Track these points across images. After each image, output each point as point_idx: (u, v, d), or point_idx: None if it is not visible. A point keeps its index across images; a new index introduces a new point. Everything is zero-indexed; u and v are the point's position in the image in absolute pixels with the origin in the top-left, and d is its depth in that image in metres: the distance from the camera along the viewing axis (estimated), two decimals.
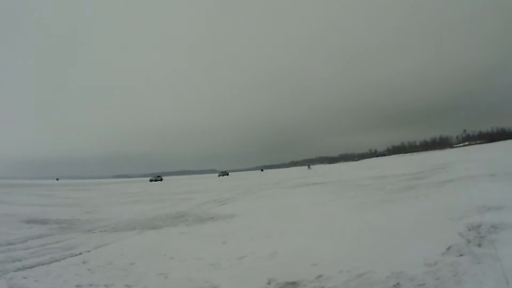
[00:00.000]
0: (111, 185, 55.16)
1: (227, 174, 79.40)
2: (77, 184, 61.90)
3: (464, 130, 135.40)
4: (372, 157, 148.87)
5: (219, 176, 73.91)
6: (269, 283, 4.56)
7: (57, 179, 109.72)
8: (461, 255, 4.92)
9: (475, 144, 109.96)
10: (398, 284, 4.01)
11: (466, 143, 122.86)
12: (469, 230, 6.25)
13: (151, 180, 64.50)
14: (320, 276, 4.59)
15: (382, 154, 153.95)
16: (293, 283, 4.47)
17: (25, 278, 5.32)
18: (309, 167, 74.86)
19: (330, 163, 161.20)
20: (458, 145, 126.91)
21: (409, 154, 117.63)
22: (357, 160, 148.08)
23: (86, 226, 10.67)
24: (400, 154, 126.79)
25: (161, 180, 65.16)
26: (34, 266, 6.01)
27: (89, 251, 7.19)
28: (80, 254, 6.96)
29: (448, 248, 5.24)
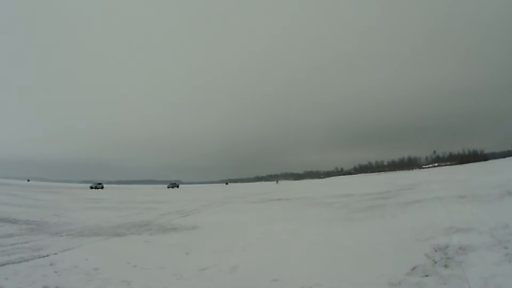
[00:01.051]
0: (78, 189, 52.76)
1: (177, 186, 69.60)
2: (47, 186, 58.56)
3: (434, 151, 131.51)
4: (339, 175, 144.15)
5: (168, 187, 65.19)
6: None
7: (28, 180, 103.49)
8: (426, 275, 4.79)
9: (445, 165, 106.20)
10: None
11: (436, 164, 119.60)
12: (436, 251, 6.04)
13: (91, 188, 57.93)
14: None
15: (349, 173, 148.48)
16: None
17: None
18: (277, 182, 70.49)
19: (295, 179, 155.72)
20: (427, 166, 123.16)
21: (376, 173, 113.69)
22: (323, 177, 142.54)
23: (54, 228, 10.62)
24: (367, 174, 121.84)
25: (102, 188, 58.98)
26: (4, 264, 6.07)
27: (56, 254, 7.21)
28: (48, 256, 6.98)
29: (413, 268, 5.10)
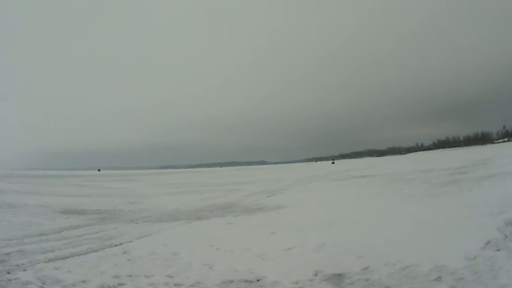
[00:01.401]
0: (156, 175, 58.36)
1: None
2: (120, 174, 65.89)
3: (504, 126, 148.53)
4: (418, 151, 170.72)
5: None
6: (316, 275, 4.97)
7: (99, 170, 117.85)
8: (498, 249, 5.51)
9: None
10: (439, 277, 4.47)
11: (506, 139, 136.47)
12: (507, 225, 6.96)
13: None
14: (366, 268, 5.01)
15: (428, 148, 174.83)
16: (340, 275, 4.88)
17: (56, 269, 5.57)
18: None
19: (378, 156, 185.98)
20: (498, 141, 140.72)
21: (453, 148, 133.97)
22: (404, 153, 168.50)
23: (129, 216, 11.30)
24: (445, 149, 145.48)
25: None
26: (68, 257, 6.30)
27: (130, 241, 7.58)
28: (121, 244, 7.34)
29: (487, 243, 5.85)
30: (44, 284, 4.92)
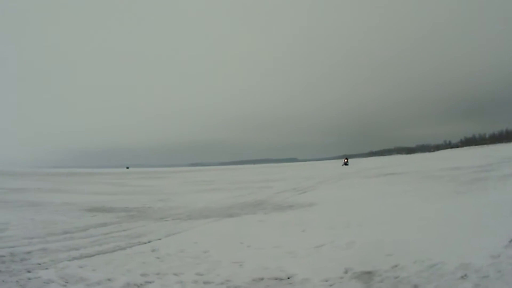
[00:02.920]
0: (186, 173, 59.59)
1: None
2: (149, 172, 67.72)
3: None
4: (446, 148, 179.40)
5: None
6: (346, 272, 5.09)
7: (128, 168, 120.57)
8: None
9: None
10: (465, 275, 4.63)
11: None
12: None
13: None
14: (395, 266, 5.17)
15: (456, 146, 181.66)
16: (369, 272, 5.00)
17: (81, 267, 5.57)
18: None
19: (407, 153, 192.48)
20: None
21: (479, 146, 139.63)
22: (433, 151, 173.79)
23: (158, 214, 11.39)
24: (471, 146, 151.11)
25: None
26: (93, 255, 6.31)
27: (159, 239, 7.63)
28: (149, 242, 7.37)
29: (510, 241, 6.00)
30: (67, 282, 4.88)
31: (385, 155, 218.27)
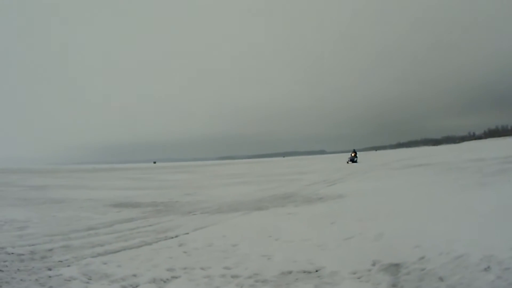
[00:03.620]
0: (214, 166, 60.37)
1: None
2: (176, 166, 68.65)
3: None
4: (471, 140, 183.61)
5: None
6: (373, 265, 5.16)
7: (155, 162, 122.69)
8: None
9: None
10: (488, 267, 4.56)
11: None
12: None
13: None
14: (422, 258, 5.16)
15: (479, 137, 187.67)
16: (397, 264, 5.05)
17: (105, 263, 5.53)
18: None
19: (433, 145, 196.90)
20: None
21: (502, 138, 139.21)
22: (458, 142, 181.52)
23: (186, 208, 11.41)
24: (494, 138, 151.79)
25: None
26: (118, 251, 6.28)
27: (187, 234, 7.61)
28: (177, 236, 7.36)
29: None
30: (90, 279, 4.82)
31: (412, 146, 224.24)
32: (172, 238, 7.31)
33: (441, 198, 10.06)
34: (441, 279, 4.45)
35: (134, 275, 4.99)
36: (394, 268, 4.94)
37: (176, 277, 4.98)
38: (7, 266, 5.27)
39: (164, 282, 4.83)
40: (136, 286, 4.67)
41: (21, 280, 4.72)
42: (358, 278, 4.76)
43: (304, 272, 5.11)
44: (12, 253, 5.97)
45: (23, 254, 5.95)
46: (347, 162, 42.58)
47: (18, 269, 5.14)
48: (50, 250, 6.30)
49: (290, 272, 5.10)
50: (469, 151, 45.71)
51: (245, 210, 10.70)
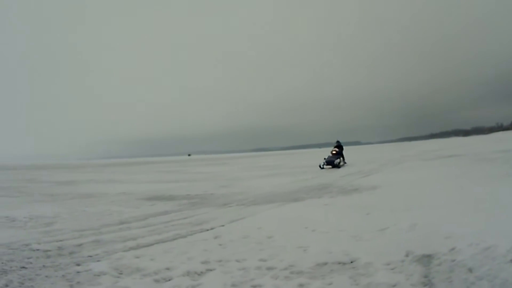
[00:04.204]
0: (249, 158, 60.95)
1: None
2: (211, 158, 69.75)
3: None
4: (499, 130, 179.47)
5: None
6: (407, 256, 5.18)
7: (189, 155, 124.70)
8: None
9: None
10: None
11: None
12: None
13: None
14: (452, 249, 5.15)
15: (507, 128, 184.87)
16: (429, 255, 5.06)
17: (137, 257, 5.48)
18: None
19: (464, 136, 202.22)
20: None
21: None
22: (487, 133, 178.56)
23: (221, 200, 11.46)
24: None
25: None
26: (151, 244, 6.24)
27: (222, 226, 7.59)
28: (212, 229, 7.33)
29: None
30: (121, 273, 4.75)
31: (444, 137, 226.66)
32: (208, 230, 7.29)
33: (471, 189, 10.15)
34: (470, 270, 4.45)
35: (168, 269, 4.93)
36: (426, 259, 4.98)
37: (210, 270, 4.92)
38: (31, 263, 5.23)
39: (198, 275, 4.76)
40: (169, 280, 4.59)
41: (46, 276, 4.65)
42: (392, 269, 4.79)
43: (339, 263, 5.13)
44: (38, 250, 5.93)
45: (49, 250, 5.90)
46: (321, 167, 24.93)
47: (43, 266, 5.09)
48: (79, 245, 6.26)
49: (325, 264, 5.12)
50: (498, 142, 46.61)
51: (281, 201, 10.70)
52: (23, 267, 4.98)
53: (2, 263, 5.11)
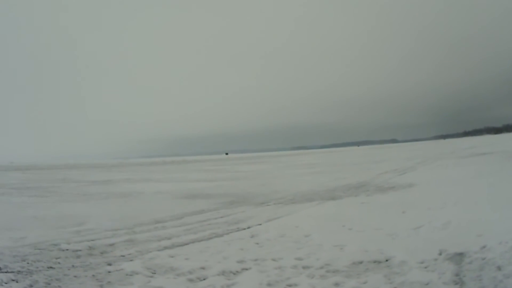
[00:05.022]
0: (288, 157, 61.03)
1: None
2: (249, 157, 69.84)
3: None
4: None
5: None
6: (440, 254, 5.23)
7: (227, 153, 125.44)
8: None
9: None
10: None
11: None
12: None
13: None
14: (484, 247, 5.26)
15: None
16: (461, 254, 5.12)
17: (172, 257, 5.46)
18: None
19: (495, 133, 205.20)
20: None
21: None
22: None
23: (259, 199, 11.38)
24: None
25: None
26: (187, 244, 6.22)
27: (259, 225, 7.56)
28: (249, 228, 7.32)
29: None
30: (154, 273, 4.73)
31: (477, 135, 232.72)
32: (244, 229, 7.29)
33: (503, 187, 10.36)
34: (498, 268, 4.51)
35: (203, 268, 4.90)
36: (458, 257, 5.03)
37: (246, 269, 4.89)
38: (59, 263, 5.24)
39: (234, 274, 4.73)
40: (204, 279, 4.56)
41: (75, 276, 4.66)
42: (425, 267, 4.81)
43: (375, 262, 5.16)
44: (67, 250, 5.95)
45: (79, 250, 5.92)
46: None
47: (72, 266, 5.10)
48: (111, 245, 6.27)
49: (360, 262, 5.14)
50: None
51: (319, 199, 10.83)
52: (50, 267, 5.01)
53: (28, 263, 5.14)
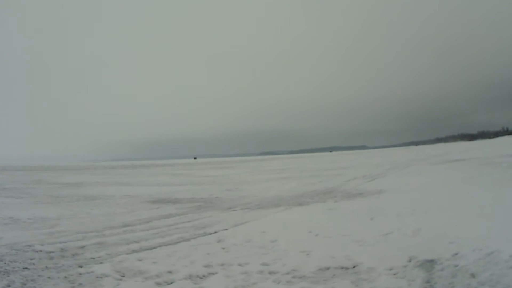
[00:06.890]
0: (255, 162, 61.19)
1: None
2: (217, 162, 69.88)
3: None
4: (504, 135, 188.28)
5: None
6: (409, 261, 5.27)
7: (195, 158, 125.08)
8: None
9: None
10: None
11: None
12: None
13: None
14: (456, 254, 5.32)
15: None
16: (432, 261, 5.17)
17: (140, 260, 5.55)
18: None
19: (469, 140, 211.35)
20: None
21: None
22: (492, 137, 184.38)
23: (226, 204, 11.51)
24: None
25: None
26: (155, 247, 6.31)
27: (226, 229, 7.66)
28: (215, 232, 7.41)
29: None
30: (123, 276, 4.82)
31: (450, 141, 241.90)
32: (211, 234, 7.38)
33: (476, 194, 10.34)
34: (472, 275, 4.57)
35: (170, 272, 5.00)
36: (429, 264, 5.07)
37: (213, 274, 4.99)
38: (34, 264, 5.32)
39: (201, 278, 4.83)
40: (171, 283, 4.65)
41: (49, 277, 4.73)
42: (394, 274, 4.85)
43: (342, 268, 5.20)
44: (41, 251, 6.03)
45: (52, 252, 6.00)
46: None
47: (46, 267, 5.17)
48: (82, 247, 6.35)
49: (327, 268, 5.17)
50: (503, 146, 49.09)
51: (286, 205, 10.87)
52: (26, 268, 5.08)
53: (5, 263, 5.21)
